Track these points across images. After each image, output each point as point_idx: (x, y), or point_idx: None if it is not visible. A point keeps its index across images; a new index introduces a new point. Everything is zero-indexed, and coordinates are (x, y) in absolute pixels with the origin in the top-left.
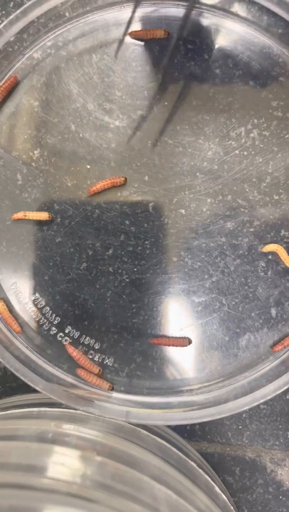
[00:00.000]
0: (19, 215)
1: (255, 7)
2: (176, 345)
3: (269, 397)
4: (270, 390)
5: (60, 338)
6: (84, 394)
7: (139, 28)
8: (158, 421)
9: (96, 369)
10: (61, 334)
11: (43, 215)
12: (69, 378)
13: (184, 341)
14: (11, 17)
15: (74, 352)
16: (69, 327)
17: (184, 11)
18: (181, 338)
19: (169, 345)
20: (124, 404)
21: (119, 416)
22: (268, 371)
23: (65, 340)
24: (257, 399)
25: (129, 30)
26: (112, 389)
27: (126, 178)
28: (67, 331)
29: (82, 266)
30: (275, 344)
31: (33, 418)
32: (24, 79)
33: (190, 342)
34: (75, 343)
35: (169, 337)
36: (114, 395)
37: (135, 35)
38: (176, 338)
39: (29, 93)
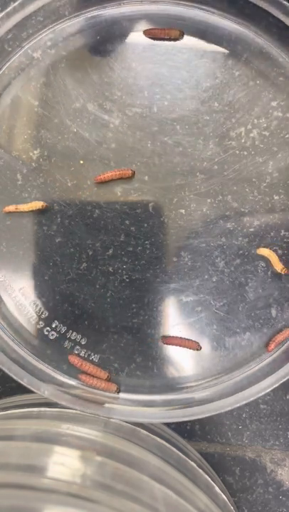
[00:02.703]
0: (10, 208)
1: (254, 8)
2: (187, 347)
3: (268, 390)
4: (266, 385)
5: (60, 338)
6: (83, 395)
7: (150, 27)
8: (158, 419)
9: (104, 375)
10: (61, 334)
11: (37, 205)
12: (69, 380)
13: (195, 344)
14: (8, 9)
15: (76, 360)
16: (69, 327)
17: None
18: (193, 341)
19: (180, 346)
20: (124, 404)
21: (119, 416)
22: (264, 366)
23: (65, 340)
24: (253, 394)
25: (143, 29)
26: (119, 391)
27: (134, 172)
28: (67, 331)
29: (82, 266)
30: (267, 344)
31: (33, 418)
32: (24, 78)
33: (200, 347)
34: (75, 343)
35: (180, 338)
36: (114, 394)
37: (149, 34)
38: (187, 340)
39: (29, 93)
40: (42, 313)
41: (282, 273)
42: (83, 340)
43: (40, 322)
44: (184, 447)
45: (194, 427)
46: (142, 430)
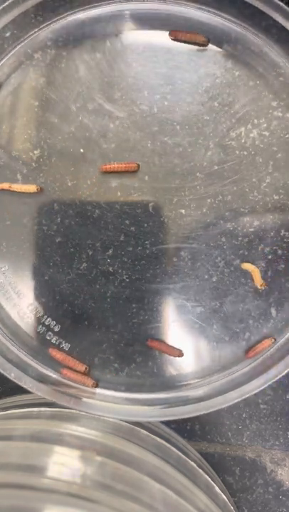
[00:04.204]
0: (4, 185)
1: (254, 8)
2: (168, 354)
3: (265, 386)
4: (263, 381)
5: (60, 338)
6: (81, 394)
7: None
8: (157, 418)
9: (82, 367)
10: (61, 334)
11: (31, 188)
12: (68, 380)
13: (177, 352)
14: (5, 4)
15: (57, 354)
16: (69, 327)
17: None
18: (176, 348)
19: (161, 351)
20: (124, 403)
21: (118, 415)
22: (261, 363)
23: (64, 340)
24: (251, 389)
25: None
26: (97, 386)
27: (138, 165)
28: (67, 331)
29: (82, 266)
30: (248, 350)
31: (33, 418)
32: (24, 79)
33: (182, 354)
34: (75, 343)
35: (165, 343)
36: (114, 394)
37: (175, 36)
38: (170, 346)
39: (29, 93)
40: (41, 313)
41: (261, 288)
42: (83, 340)
43: (39, 322)
44: (183, 447)
45: (194, 426)
46: (141, 430)
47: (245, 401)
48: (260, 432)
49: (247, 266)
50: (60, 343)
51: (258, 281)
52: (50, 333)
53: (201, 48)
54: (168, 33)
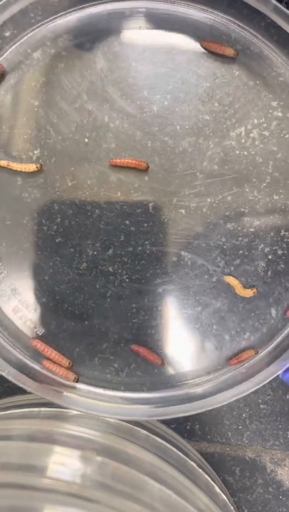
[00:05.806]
0: (3, 163)
1: (254, 8)
2: (150, 360)
3: (264, 383)
4: (262, 378)
5: (60, 338)
6: (80, 393)
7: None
8: (156, 416)
9: (66, 362)
10: (61, 334)
11: (30, 167)
12: (68, 382)
13: (159, 360)
14: (3, 1)
15: (39, 345)
16: (69, 327)
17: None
18: (157, 356)
19: (144, 357)
20: (124, 403)
21: (117, 414)
22: (259, 361)
23: (65, 340)
24: (249, 388)
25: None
26: (77, 380)
27: (148, 166)
28: (67, 331)
29: (82, 266)
30: (231, 358)
31: (32, 418)
32: (24, 78)
33: (163, 364)
34: (75, 343)
35: (147, 349)
36: (113, 393)
37: (206, 46)
38: (152, 353)
39: (29, 93)
40: (41, 313)
41: (253, 294)
42: (84, 340)
43: (39, 323)
44: (184, 447)
45: (194, 427)
46: (141, 430)
47: (245, 401)
48: (260, 431)
49: (228, 279)
50: (59, 342)
51: (242, 291)
52: (49, 333)
53: (202, 48)
54: (168, 33)
